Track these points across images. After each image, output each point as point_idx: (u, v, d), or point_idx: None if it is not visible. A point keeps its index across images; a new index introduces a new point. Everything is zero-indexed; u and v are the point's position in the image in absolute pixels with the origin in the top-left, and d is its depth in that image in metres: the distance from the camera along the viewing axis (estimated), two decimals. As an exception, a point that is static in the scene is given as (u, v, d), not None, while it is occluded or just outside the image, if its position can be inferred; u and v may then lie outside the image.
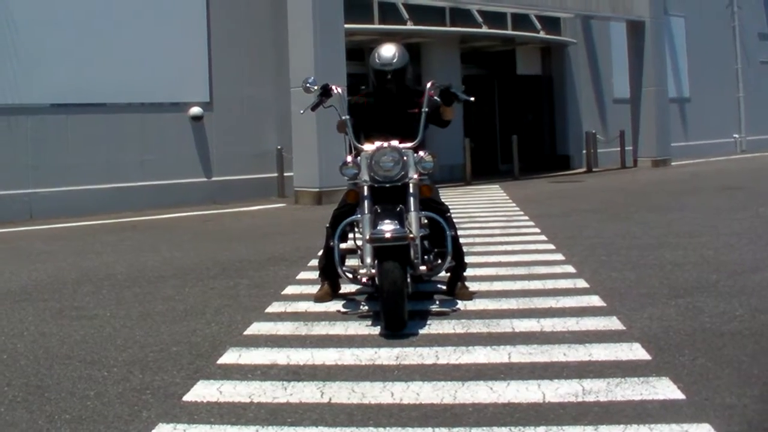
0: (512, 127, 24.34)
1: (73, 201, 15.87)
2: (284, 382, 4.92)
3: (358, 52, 19.95)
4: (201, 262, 9.65)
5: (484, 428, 4.04)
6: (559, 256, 9.03)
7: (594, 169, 24.72)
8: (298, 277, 8.43)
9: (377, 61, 6.76)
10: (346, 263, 6.90)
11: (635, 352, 5.26)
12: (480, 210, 14.58)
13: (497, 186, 20.21)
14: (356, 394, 4.66)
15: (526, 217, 12.98)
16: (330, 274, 7.07)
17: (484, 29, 23.15)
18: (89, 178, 16.33)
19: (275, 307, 7.03)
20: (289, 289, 7.81)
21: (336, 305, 6.98)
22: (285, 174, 18.47)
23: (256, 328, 6.31)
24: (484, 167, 23.17)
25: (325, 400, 4.59)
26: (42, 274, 9.22)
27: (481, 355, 5.34)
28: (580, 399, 4.40)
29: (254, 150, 18.52)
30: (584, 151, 25.41)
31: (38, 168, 15.74)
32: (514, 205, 15.28)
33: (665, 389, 4.49)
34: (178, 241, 11.98)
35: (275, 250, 10.46)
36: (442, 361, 5.25)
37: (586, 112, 26.51)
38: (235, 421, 4.29)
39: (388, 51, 6.78)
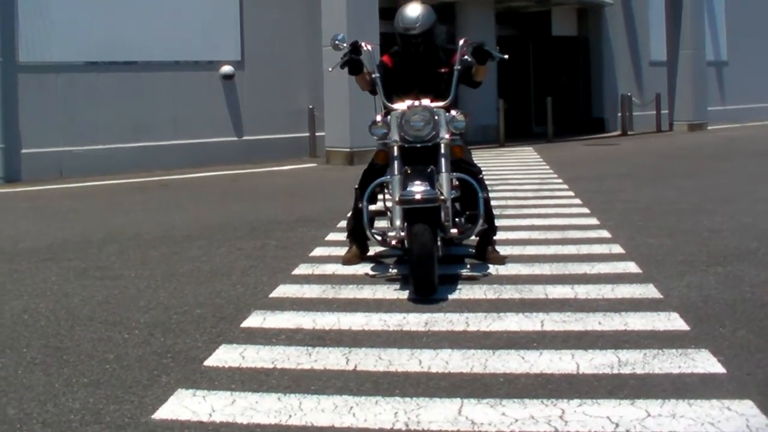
0: (547, 88, 23.96)
1: (103, 159, 15.78)
2: (309, 348, 4.78)
3: (392, 10, 19.51)
4: (229, 222, 9.52)
5: (516, 400, 3.87)
6: (594, 221, 8.81)
7: (629, 133, 24.33)
8: (327, 238, 8.28)
9: (401, 24, 6.55)
10: (375, 225, 6.73)
11: (673, 322, 5.06)
12: (513, 172, 14.35)
13: (531, 148, 19.92)
14: (383, 361, 4.50)
15: (560, 180, 12.74)
16: (358, 237, 6.91)
17: (520, -12, 22.76)
18: (119, 137, 16.23)
19: (302, 269, 6.89)
20: (318, 251, 7.66)
21: (364, 268, 6.82)
22: (317, 134, 18.27)
23: (282, 291, 6.17)
24: (518, 129, 22.82)
25: (351, 367, 4.44)
26: (68, 232, 9.13)
27: (512, 322, 5.17)
28: (615, 371, 4.22)
29: (286, 109, 18.33)
30: (619, 114, 25.00)
31: (69, 126, 15.64)
32: (547, 167, 15.02)
33: (705, 362, 4.30)
34: (207, 200, 11.87)
35: (304, 210, 10.32)
36: (473, 328, 5.09)
37: (621, 74, 26.06)
38: (257, 388, 4.16)
39: (412, 12, 6.54)
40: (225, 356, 4.67)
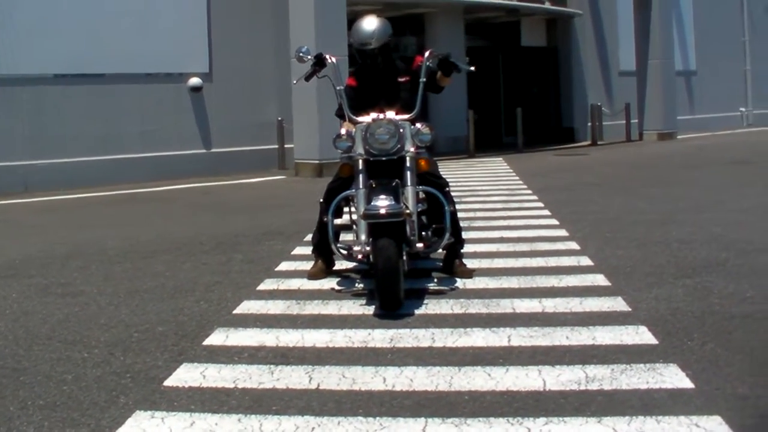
0: (517, 99, 23.99)
1: (69, 173, 15.59)
2: (271, 366, 4.68)
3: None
4: (196, 235, 9.41)
5: (481, 419, 3.79)
6: (563, 232, 8.77)
7: (599, 142, 24.39)
8: (294, 252, 8.18)
9: (357, 39, 6.49)
10: (341, 239, 6.65)
11: (641, 335, 5.00)
12: (482, 183, 14.31)
13: (501, 159, 19.91)
14: (346, 379, 4.41)
15: (530, 191, 12.71)
16: (324, 251, 6.82)
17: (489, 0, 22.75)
18: (86, 150, 16.05)
19: (267, 285, 6.79)
20: (283, 265, 7.56)
21: (330, 283, 6.73)
22: (286, 145, 18.16)
23: (246, 307, 6.07)
24: (488, 139, 22.79)
25: (314, 386, 4.34)
26: (32, 248, 8.97)
27: (479, 337, 5.09)
28: (582, 387, 4.15)
29: (254, 121, 18.23)
30: (589, 124, 25.07)
31: (34, 139, 15.44)
32: (517, 178, 15.00)
33: (673, 377, 4.23)
34: (174, 214, 11.75)
35: (272, 223, 10.22)
36: (439, 344, 5.01)
37: (591, 84, 26.13)
38: (216, 409, 4.05)
39: (368, 26, 6.46)
40: (185, 376, 4.56)
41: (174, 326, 5.61)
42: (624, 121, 25.44)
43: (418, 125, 6.23)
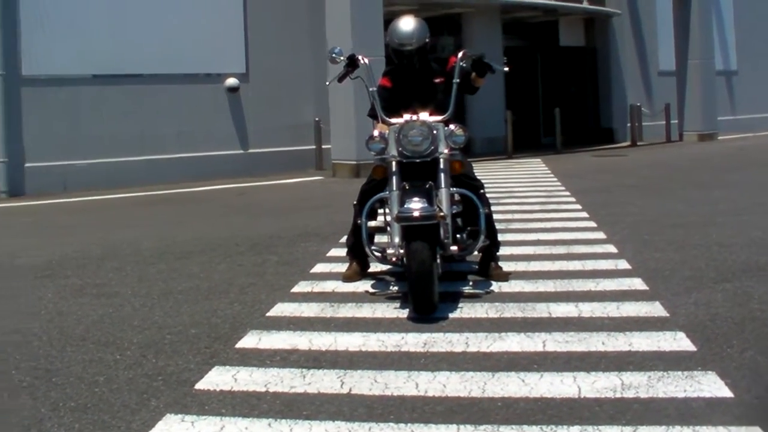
0: (555, 99, 23.81)
1: (107, 173, 15.70)
2: (303, 370, 4.64)
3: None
4: (231, 236, 9.41)
5: (514, 427, 3.73)
6: (601, 235, 8.66)
7: (638, 143, 24.16)
8: (329, 254, 8.14)
9: (395, 40, 6.44)
10: (376, 241, 6.60)
11: (679, 342, 4.91)
12: (520, 184, 14.19)
13: (539, 159, 19.77)
14: (378, 384, 4.37)
15: (568, 193, 12.59)
16: (358, 253, 6.77)
17: (527, -1, 22.63)
18: (124, 150, 16.15)
19: (302, 287, 6.76)
20: (318, 267, 7.53)
21: (365, 285, 6.69)
22: (323, 146, 18.16)
23: (280, 309, 6.04)
24: (527, 140, 22.63)
25: (345, 390, 4.30)
26: (68, 248, 9.02)
27: (514, 342, 5.02)
28: (618, 395, 4.07)
29: (291, 121, 18.23)
30: (629, 125, 24.83)
31: (72, 140, 15.56)
32: (555, 179, 14.88)
33: (711, 385, 4.14)
34: (210, 214, 11.77)
35: (308, 224, 10.20)
36: (473, 348, 4.95)
37: (630, 84, 25.89)
38: (247, 413, 4.02)
39: (406, 26, 6.42)
40: (217, 379, 4.54)
41: (207, 328, 5.60)
42: (664, 122, 25.18)
43: (452, 127, 6.16)
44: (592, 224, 9.38)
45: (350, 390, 4.30)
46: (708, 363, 4.50)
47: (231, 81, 17.58)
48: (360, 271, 6.89)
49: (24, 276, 7.58)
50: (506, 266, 6.93)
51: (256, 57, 17.84)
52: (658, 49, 27.01)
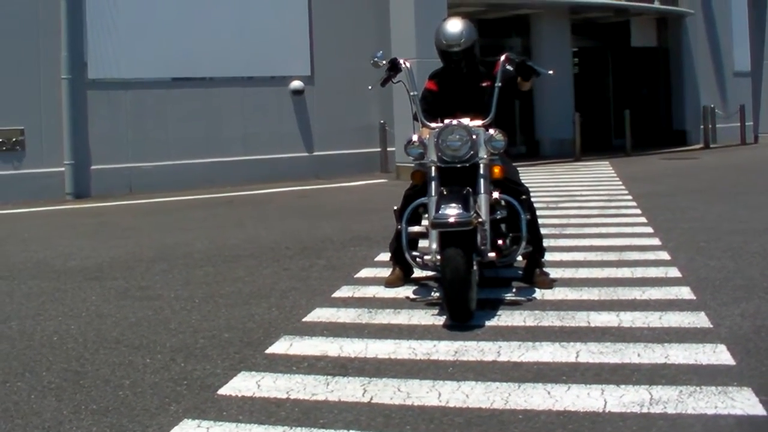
0: (626, 100, 23.38)
1: (172, 175, 15.85)
2: (328, 377, 4.59)
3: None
4: (283, 240, 9.41)
5: (530, 441, 3.63)
6: (655, 241, 8.45)
7: (711, 146, 23.60)
8: (377, 258, 8.07)
9: (443, 41, 6.34)
10: (420, 246, 6.51)
11: (718, 355, 4.73)
12: (582, 188, 13.97)
13: (606, 162, 19.42)
14: (401, 393, 4.29)
15: (630, 197, 12.33)
16: (401, 258, 6.69)
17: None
18: (189, 153, 16.29)
19: (343, 292, 6.72)
20: (363, 272, 7.48)
21: (407, 291, 6.62)
22: (388, 149, 18.10)
23: (317, 315, 6.00)
24: (597, 142, 22.23)
25: (366, 399, 4.24)
26: (121, 250, 9.11)
27: (546, 352, 4.90)
28: (645, 410, 3.93)
29: (357, 124, 18.21)
30: (702, 127, 24.30)
31: (138, 142, 15.76)
32: (619, 182, 14.60)
33: (745, 402, 3.96)
34: (268, 217, 11.80)
35: (362, 228, 10.15)
36: (503, 358, 4.84)
37: (704, 85, 25.29)
38: (263, 420, 3.99)
39: (453, 28, 6.33)
40: (241, 384, 4.52)
41: (240, 333, 5.58)
42: (738, 124, 24.58)
43: (491, 131, 6.04)
44: (649, 230, 9.16)
45: (371, 399, 4.24)
46: (745, 378, 4.32)
47: (296, 84, 17.63)
48: (403, 277, 6.82)
49: (73, 278, 7.66)
50: (553, 273, 6.81)
51: (321, 60, 17.85)
52: (733, 49, 26.34)
